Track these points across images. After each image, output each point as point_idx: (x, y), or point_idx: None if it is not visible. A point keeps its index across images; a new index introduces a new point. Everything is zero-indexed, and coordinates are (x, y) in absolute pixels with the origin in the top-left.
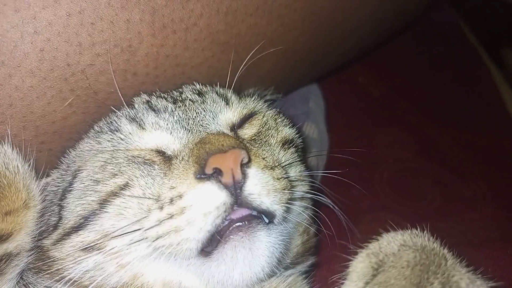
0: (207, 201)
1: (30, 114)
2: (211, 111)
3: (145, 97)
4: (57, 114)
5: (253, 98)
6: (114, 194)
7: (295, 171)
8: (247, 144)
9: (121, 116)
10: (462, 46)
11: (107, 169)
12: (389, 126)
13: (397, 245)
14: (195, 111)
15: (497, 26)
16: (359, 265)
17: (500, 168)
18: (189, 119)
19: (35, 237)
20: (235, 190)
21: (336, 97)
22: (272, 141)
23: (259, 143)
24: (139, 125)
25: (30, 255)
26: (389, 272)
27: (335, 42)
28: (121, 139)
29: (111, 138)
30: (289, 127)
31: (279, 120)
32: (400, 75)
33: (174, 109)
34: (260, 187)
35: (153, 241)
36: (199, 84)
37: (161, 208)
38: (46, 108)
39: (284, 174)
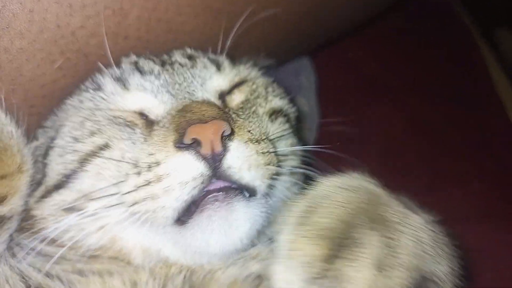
0: (184, 171)
1: (20, 77)
2: (200, 77)
3: (133, 57)
4: (46, 77)
5: (246, 66)
6: (94, 153)
7: (285, 144)
8: (233, 115)
9: (106, 75)
10: (454, 25)
11: (86, 126)
12: (379, 103)
13: (332, 188)
14: (183, 75)
15: (490, 5)
16: (295, 209)
17: (486, 147)
18: (175, 83)
19: (26, 200)
20: (214, 162)
21: (327, 73)
22: (260, 110)
23: (246, 113)
24: (124, 85)
25: (20, 218)
26: (320, 213)
27: (326, 13)
28: (103, 98)
29: (93, 97)
30: (281, 98)
31: (270, 89)
32: (391, 52)
33: (161, 72)
34: (241, 161)
35: (130, 206)
36: (190, 49)
37: (139, 174)
38: (36, 71)
39: (271, 147)
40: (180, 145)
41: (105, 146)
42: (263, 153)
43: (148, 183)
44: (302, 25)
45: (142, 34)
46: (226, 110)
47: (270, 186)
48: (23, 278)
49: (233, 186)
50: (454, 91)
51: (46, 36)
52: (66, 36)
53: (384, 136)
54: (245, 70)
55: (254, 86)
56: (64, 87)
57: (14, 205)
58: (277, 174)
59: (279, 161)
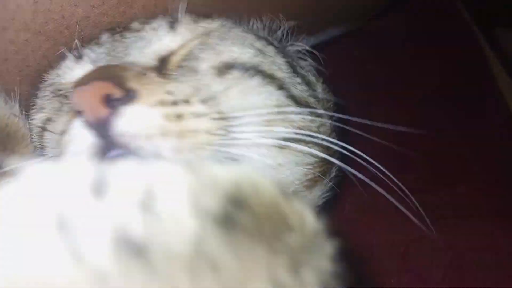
0: (78, 139)
1: (26, 68)
2: (144, 40)
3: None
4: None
5: (208, 20)
6: (43, 128)
7: (255, 104)
8: (151, 77)
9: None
10: (456, 23)
11: (37, 104)
12: (380, 101)
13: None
14: (126, 41)
15: (492, 4)
16: None
17: (490, 144)
18: (114, 50)
19: None
20: (102, 129)
21: (329, 71)
22: (203, 65)
23: (180, 71)
24: (76, 58)
25: None
26: None
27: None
28: (58, 74)
29: (51, 75)
30: (243, 46)
31: (229, 40)
32: (393, 51)
33: (107, 40)
34: (137, 128)
35: None
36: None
37: (58, 143)
38: (42, 61)
39: (212, 110)
40: (76, 112)
41: (48, 120)
42: (178, 117)
43: (62, 152)
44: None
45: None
46: (163, 71)
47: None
48: None
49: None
50: (456, 90)
51: (51, 27)
52: (71, 26)
53: (386, 134)
54: (207, 25)
55: (206, 38)
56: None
57: None
58: (224, 144)
59: (228, 126)
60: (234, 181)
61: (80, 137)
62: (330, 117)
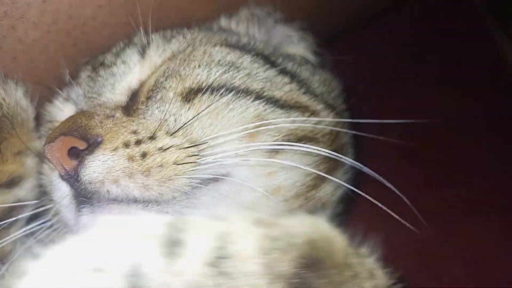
0: (56, 189)
1: (34, 69)
2: (114, 76)
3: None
4: (59, 69)
5: (178, 37)
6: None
7: (229, 122)
8: (117, 117)
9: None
10: (472, 14)
11: None
12: (398, 94)
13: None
14: (99, 79)
15: None
16: None
17: (508, 138)
18: (90, 90)
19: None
20: (73, 180)
21: (345, 64)
22: (169, 95)
23: (149, 104)
24: (64, 99)
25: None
26: None
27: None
28: (51, 112)
29: (48, 111)
30: (209, 67)
31: (195, 59)
32: (409, 43)
33: (85, 80)
34: (103, 174)
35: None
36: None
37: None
38: (49, 62)
39: (182, 140)
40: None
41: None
42: (142, 156)
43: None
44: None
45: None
46: (133, 108)
47: (185, 186)
48: None
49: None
50: (473, 82)
51: (59, 27)
52: (78, 27)
53: (402, 126)
54: (176, 44)
55: (171, 64)
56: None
57: (28, 189)
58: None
59: (202, 150)
60: (309, 239)
61: (58, 188)
62: (333, 109)
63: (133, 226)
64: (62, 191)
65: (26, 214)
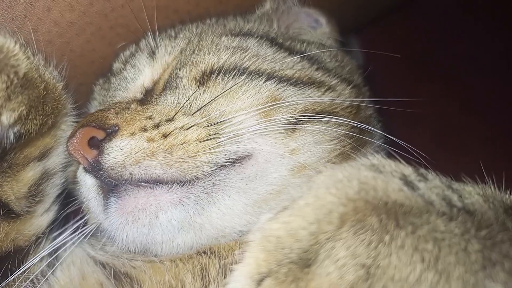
0: (83, 185)
1: (70, 52)
2: (126, 79)
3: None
4: (96, 53)
5: (183, 34)
6: (74, 181)
7: (249, 98)
8: (133, 108)
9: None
10: None
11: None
12: (431, 81)
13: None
14: (112, 85)
15: None
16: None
17: None
18: (103, 98)
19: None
20: (96, 170)
21: (375, 51)
22: (183, 82)
23: (163, 94)
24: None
25: (67, 179)
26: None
27: None
28: None
29: None
30: (217, 51)
31: (205, 49)
32: (441, 28)
33: (99, 92)
34: (123, 158)
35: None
36: (132, 47)
37: None
38: (85, 46)
39: (199, 120)
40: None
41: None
42: (163, 136)
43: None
44: None
45: (192, 8)
46: (147, 100)
47: (206, 164)
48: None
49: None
50: (508, 68)
51: (96, 9)
52: (115, 9)
53: (438, 116)
54: (183, 40)
55: (181, 57)
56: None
57: (55, 157)
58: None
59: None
60: None
61: (84, 182)
62: (350, 83)
63: None
64: (88, 184)
65: (56, 189)
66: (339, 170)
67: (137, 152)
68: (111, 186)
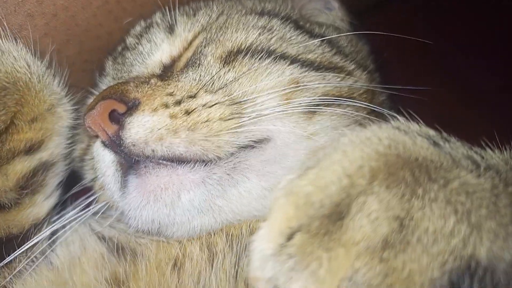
0: (100, 160)
1: (75, 27)
2: (142, 54)
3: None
4: (102, 28)
5: (203, 11)
6: (81, 157)
7: (272, 80)
8: (154, 82)
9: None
10: None
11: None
12: (433, 71)
13: (350, 140)
14: (127, 60)
15: None
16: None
17: None
18: (118, 73)
19: (72, 141)
20: (116, 145)
21: (376, 38)
22: (207, 59)
23: (185, 70)
24: (96, 92)
25: (69, 163)
26: (315, 173)
27: None
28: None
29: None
30: (245, 30)
31: (232, 27)
32: (443, 17)
33: (111, 67)
34: (145, 134)
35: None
36: (144, 22)
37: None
38: (91, 20)
39: (221, 98)
40: (94, 136)
41: (88, 147)
42: (187, 113)
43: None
44: None
45: None
46: (167, 75)
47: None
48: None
49: (161, 162)
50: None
51: None
52: None
53: (438, 106)
54: (202, 17)
55: (207, 33)
56: (118, 42)
57: (53, 149)
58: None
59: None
60: None
61: (102, 158)
62: (365, 68)
63: None
64: (106, 160)
65: (56, 178)
66: (364, 131)
67: (159, 129)
68: (131, 163)
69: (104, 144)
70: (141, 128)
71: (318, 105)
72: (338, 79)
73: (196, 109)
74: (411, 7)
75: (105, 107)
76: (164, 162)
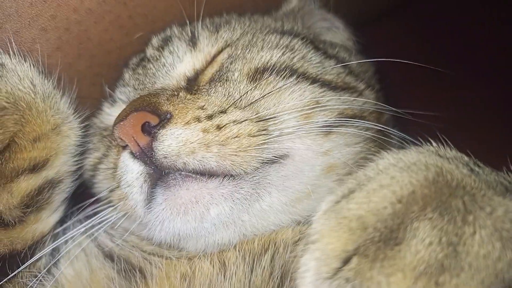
0: (128, 171)
1: (87, 41)
2: (165, 66)
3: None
4: (114, 43)
5: (227, 27)
6: (95, 166)
7: (296, 99)
8: (183, 95)
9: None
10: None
11: (91, 143)
12: (426, 83)
13: (385, 167)
14: (148, 72)
15: None
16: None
17: None
18: (140, 83)
19: (80, 158)
20: (147, 157)
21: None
22: (235, 75)
23: (213, 86)
24: (111, 104)
25: (76, 179)
26: (357, 198)
27: None
28: (101, 121)
29: (97, 121)
30: (270, 49)
31: (257, 45)
32: (433, 31)
33: (131, 77)
34: (178, 147)
35: (116, 205)
36: (166, 32)
37: (114, 177)
38: (103, 35)
39: (249, 115)
40: (121, 146)
41: (104, 156)
42: (218, 128)
43: (118, 185)
44: None
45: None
46: (194, 89)
47: (255, 159)
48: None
49: (191, 175)
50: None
51: None
52: None
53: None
54: (226, 33)
55: (233, 50)
56: (129, 57)
57: (59, 167)
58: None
59: (264, 129)
60: None
61: (130, 169)
62: (373, 88)
63: None
64: (134, 172)
65: (63, 195)
66: (406, 155)
67: (192, 142)
68: (160, 175)
69: (133, 155)
70: (174, 141)
71: (334, 124)
72: (351, 99)
73: (227, 125)
74: (409, 19)
75: (138, 118)
76: (193, 175)
